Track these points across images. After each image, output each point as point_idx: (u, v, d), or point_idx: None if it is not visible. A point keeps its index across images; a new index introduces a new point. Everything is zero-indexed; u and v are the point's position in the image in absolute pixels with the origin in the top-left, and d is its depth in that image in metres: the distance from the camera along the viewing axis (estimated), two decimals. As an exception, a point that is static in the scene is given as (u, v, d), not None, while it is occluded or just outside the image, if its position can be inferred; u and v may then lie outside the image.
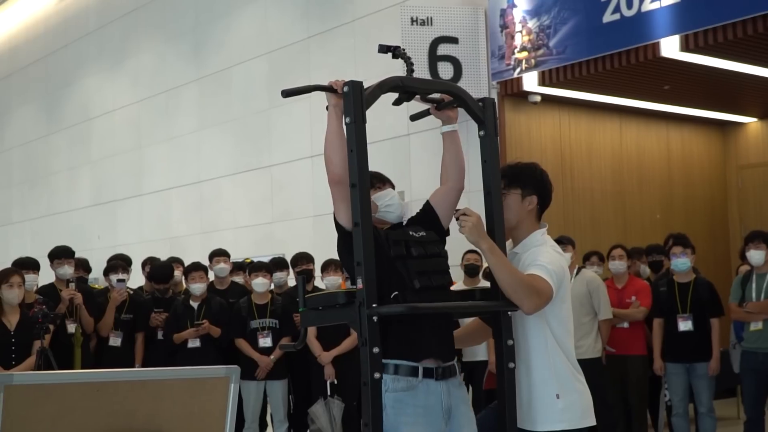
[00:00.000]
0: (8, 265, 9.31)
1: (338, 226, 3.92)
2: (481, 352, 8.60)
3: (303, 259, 9.30)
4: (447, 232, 4.17)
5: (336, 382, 8.49)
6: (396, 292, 3.77)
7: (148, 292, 9.43)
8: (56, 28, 19.61)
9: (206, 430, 2.87)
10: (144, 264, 10.12)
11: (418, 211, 4.19)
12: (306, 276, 8.68)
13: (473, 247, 8.52)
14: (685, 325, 8.17)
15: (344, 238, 3.87)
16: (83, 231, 17.91)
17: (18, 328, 7.36)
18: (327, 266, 8.76)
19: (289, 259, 9.49)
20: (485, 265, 7.94)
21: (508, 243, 4.15)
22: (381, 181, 4.15)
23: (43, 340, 7.16)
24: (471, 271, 8.98)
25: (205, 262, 9.45)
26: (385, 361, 3.79)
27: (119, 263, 9.11)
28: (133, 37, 17.22)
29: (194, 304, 8.71)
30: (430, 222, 4.11)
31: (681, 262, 8.23)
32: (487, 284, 4.09)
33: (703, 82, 11.01)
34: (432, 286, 3.86)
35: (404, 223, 4.14)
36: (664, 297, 8.37)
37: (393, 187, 4.21)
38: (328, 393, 8.44)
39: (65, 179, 19.18)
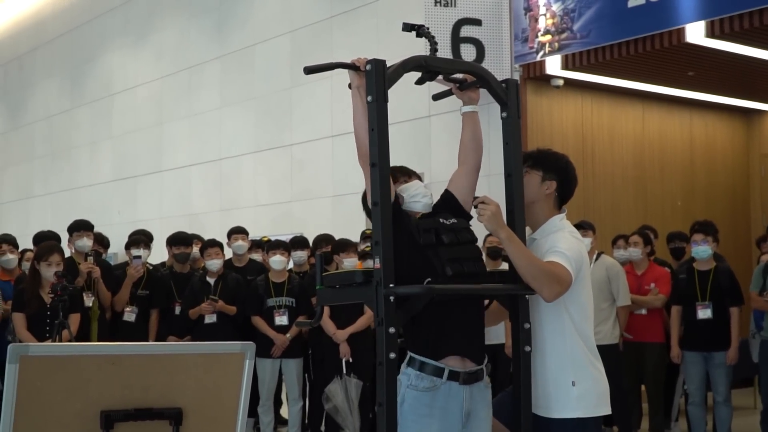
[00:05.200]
0: (29, 238, 9.39)
1: (366, 207, 3.89)
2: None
3: (324, 242, 9.27)
4: (470, 217, 4.11)
5: (351, 360, 8.48)
6: (429, 279, 3.70)
7: (167, 267, 9.45)
8: (82, 3, 19.61)
9: (220, 405, 2.87)
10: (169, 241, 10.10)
11: (437, 199, 4.12)
12: (326, 257, 8.70)
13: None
14: (704, 313, 8.12)
15: None
16: (103, 206, 17.94)
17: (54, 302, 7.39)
18: (344, 246, 8.72)
19: (308, 237, 9.48)
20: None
21: (528, 229, 4.12)
22: (407, 175, 4.11)
23: (62, 312, 7.18)
24: (494, 253, 8.91)
25: (224, 240, 9.45)
26: (412, 354, 3.79)
27: (141, 238, 9.10)
28: (157, 12, 17.21)
29: (211, 280, 8.75)
30: (453, 209, 4.05)
31: (701, 250, 8.17)
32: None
33: (727, 68, 10.92)
34: (465, 273, 3.79)
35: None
36: (683, 284, 8.31)
37: (420, 180, 4.16)
38: (344, 371, 8.44)
39: (87, 154, 19.22)
